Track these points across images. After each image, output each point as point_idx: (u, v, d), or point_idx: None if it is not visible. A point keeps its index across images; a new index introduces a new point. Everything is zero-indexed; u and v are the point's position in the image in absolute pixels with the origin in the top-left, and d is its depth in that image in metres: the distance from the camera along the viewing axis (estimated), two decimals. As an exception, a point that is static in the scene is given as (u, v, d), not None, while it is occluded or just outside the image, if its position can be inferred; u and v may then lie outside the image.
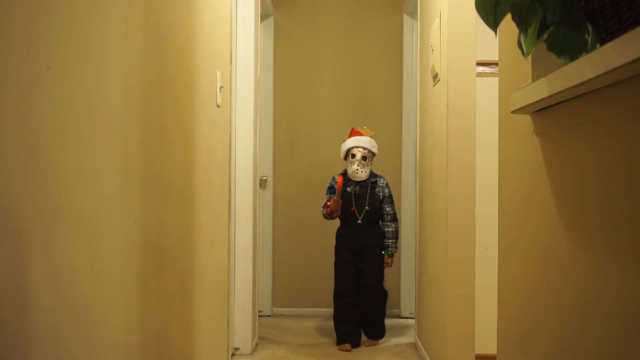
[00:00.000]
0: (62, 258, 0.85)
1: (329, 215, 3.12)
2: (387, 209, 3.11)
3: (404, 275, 3.84)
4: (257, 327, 3.22)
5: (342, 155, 3.11)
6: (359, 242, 3.08)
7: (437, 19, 2.56)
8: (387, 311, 3.85)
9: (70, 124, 0.87)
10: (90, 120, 0.94)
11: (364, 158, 3.02)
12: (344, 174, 3.12)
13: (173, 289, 1.46)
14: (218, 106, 2.00)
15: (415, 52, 3.66)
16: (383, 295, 3.14)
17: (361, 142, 3.03)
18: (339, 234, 3.17)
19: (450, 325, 2.38)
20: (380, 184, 3.11)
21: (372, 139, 3.08)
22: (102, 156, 0.99)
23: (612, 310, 0.77)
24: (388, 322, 3.72)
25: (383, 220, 3.14)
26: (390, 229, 3.11)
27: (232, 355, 2.89)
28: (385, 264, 3.10)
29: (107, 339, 1.03)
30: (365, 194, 3.07)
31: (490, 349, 1.67)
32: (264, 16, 3.70)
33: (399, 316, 3.86)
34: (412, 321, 3.62)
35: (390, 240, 3.11)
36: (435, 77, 2.65)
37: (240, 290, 2.95)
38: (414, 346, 3.18)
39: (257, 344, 3.15)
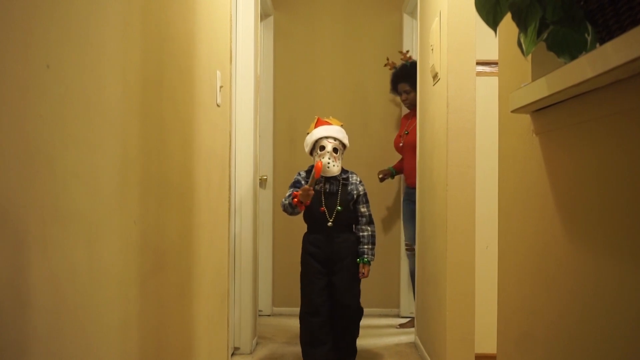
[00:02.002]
0: (61, 258, 0.85)
1: (290, 208, 2.61)
2: (362, 209, 2.65)
3: (403, 274, 3.84)
4: (257, 327, 3.22)
5: (307, 149, 2.68)
6: (329, 250, 2.61)
7: (437, 19, 2.56)
8: (387, 310, 3.88)
9: (69, 124, 0.87)
10: (89, 119, 0.94)
11: (335, 150, 2.58)
12: (309, 171, 2.70)
13: (172, 288, 1.46)
14: (218, 106, 2.00)
15: (415, 51, 3.66)
16: (359, 313, 2.70)
17: (331, 132, 2.59)
18: (306, 240, 2.68)
19: (450, 325, 2.38)
20: (353, 181, 2.66)
21: (342, 129, 2.66)
22: (100, 155, 0.99)
23: (611, 309, 0.77)
24: (387, 321, 3.73)
25: (357, 224, 2.68)
26: (366, 233, 2.64)
27: (232, 354, 2.89)
28: (360, 274, 2.63)
29: (106, 339, 1.02)
30: (336, 192, 2.62)
31: (490, 348, 1.67)
32: (263, 15, 3.70)
33: (398, 315, 3.87)
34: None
35: (366, 246, 2.63)
36: (435, 76, 2.65)
37: (240, 289, 2.95)
38: (413, 345, 3.18)
39: (257, 344, 3.15)
